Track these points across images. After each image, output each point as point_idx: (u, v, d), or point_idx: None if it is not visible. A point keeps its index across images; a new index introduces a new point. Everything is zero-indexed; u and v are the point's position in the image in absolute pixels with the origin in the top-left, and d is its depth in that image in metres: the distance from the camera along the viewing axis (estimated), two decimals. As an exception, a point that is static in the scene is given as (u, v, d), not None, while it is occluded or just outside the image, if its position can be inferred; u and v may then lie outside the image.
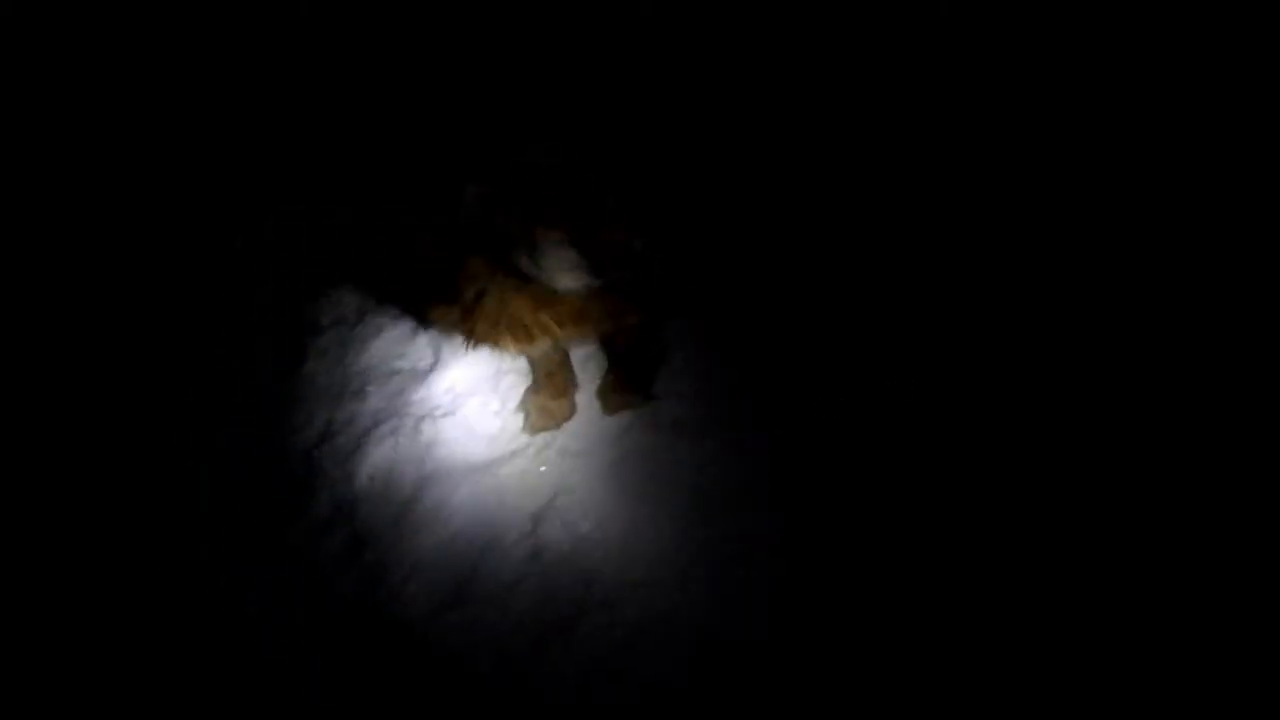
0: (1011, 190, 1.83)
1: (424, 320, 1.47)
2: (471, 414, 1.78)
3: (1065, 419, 1.65)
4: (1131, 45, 1.76)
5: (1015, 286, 1.80)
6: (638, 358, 1.75)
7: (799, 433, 1.70)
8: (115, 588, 1.61)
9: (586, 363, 1.81)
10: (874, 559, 1.54)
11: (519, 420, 1.76)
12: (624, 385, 1.76)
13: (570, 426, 1.76)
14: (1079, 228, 1.80)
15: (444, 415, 1.78)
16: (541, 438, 1.74)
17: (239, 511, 1.72)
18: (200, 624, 1.57)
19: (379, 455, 1.74)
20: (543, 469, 1.71)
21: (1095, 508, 1.55)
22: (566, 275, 1.09)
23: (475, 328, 1.28)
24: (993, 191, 1.84)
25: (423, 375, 1.83)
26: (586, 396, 1.78)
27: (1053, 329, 1.75)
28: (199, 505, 1.71)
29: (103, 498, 1.71)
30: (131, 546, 1.66)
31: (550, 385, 1.75)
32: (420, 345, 1.88)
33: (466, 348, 1.33)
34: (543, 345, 1.36)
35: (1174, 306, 1.72)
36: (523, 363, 1.77)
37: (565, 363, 1.75)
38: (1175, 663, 1.37)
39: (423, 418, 1.77)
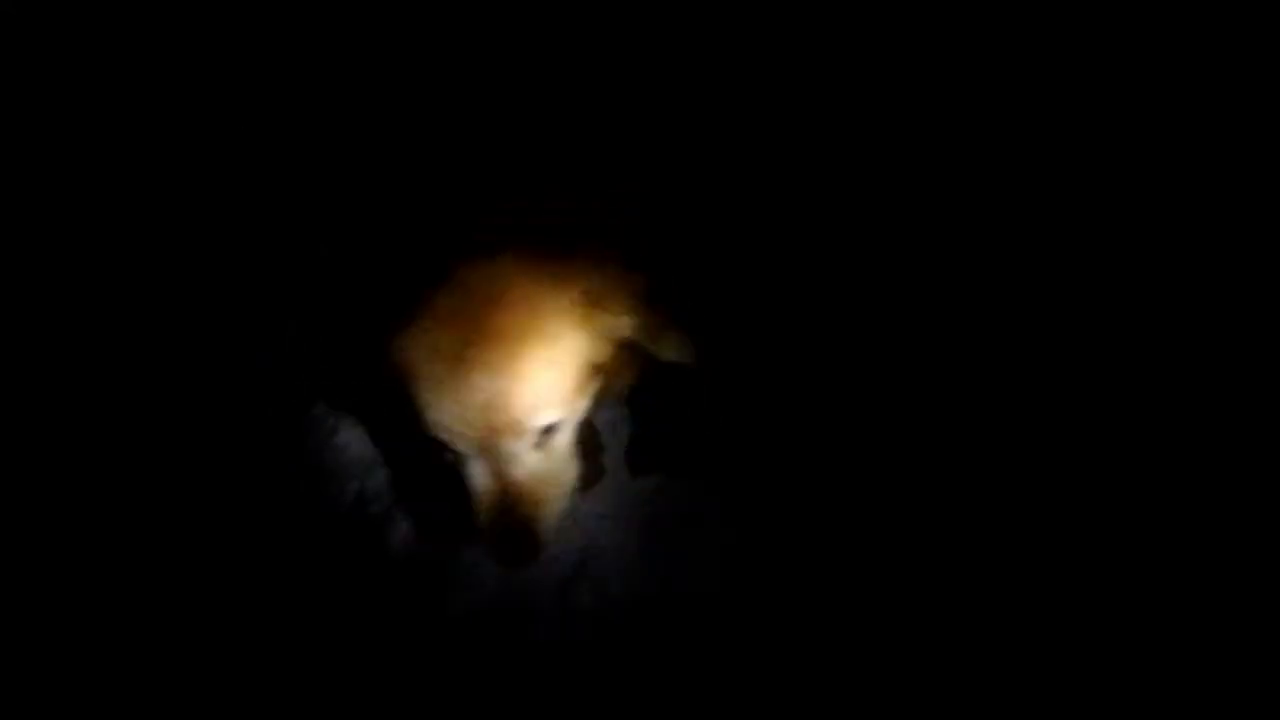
0: (1012, 193, 1.82)
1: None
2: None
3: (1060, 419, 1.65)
4: (1131, 45, 1.75)
5: (1016, 289, 1.78)
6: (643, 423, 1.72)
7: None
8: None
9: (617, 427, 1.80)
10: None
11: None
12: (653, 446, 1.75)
13: (595, 490, 1.75)
14: (1079, 229, 1.78)
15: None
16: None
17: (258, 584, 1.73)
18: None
19: (408, 525, 1.75)
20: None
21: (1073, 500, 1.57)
22: None
23: None
24: (994, 199, 1.83)
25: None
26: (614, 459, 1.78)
27: (1053, 330, 1.72)
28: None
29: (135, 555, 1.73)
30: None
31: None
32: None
33: None
34: None
35: (1173, 306, 1.69)
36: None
37: (589, 421, 1.75)
38: (1175, 663, 1.38)
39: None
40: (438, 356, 1.05)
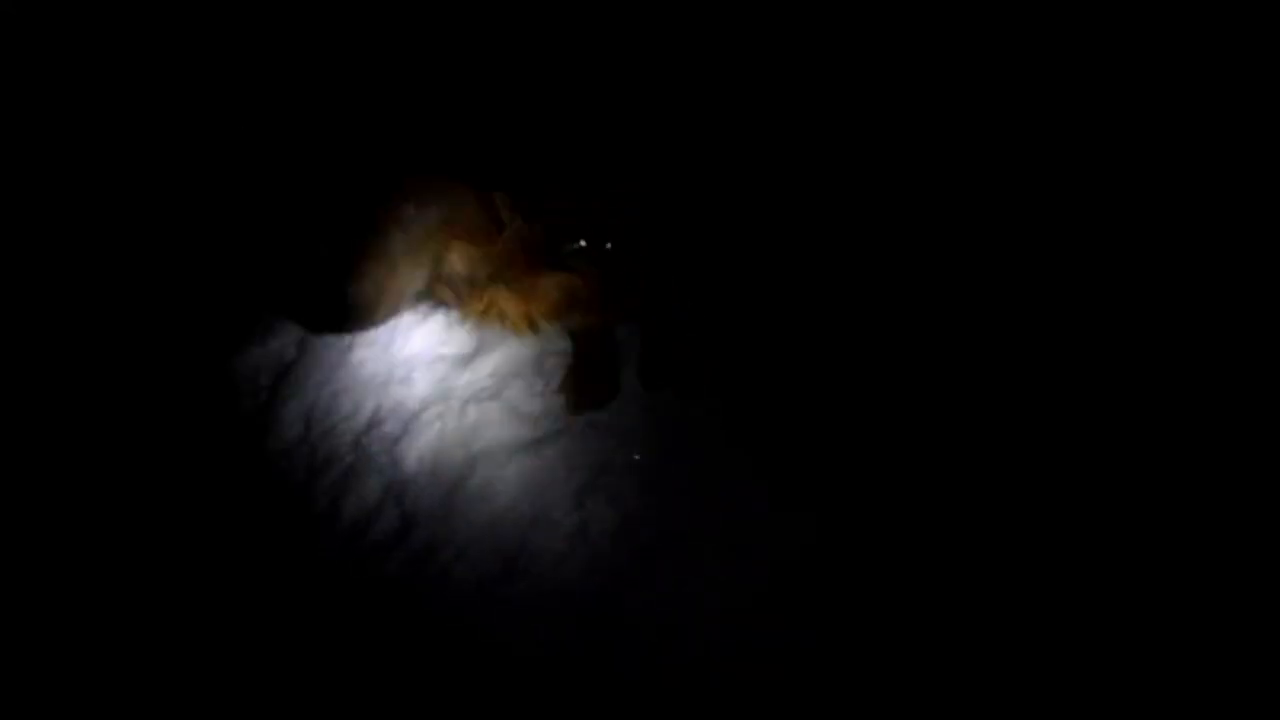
0: (1012, 196, 1.82)
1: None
2: (515, 396, 1.80)
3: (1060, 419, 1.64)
4: (1132, 45, 1.75)
5: (1016, 291, 1.78)
6: (654, 343, 1.76)
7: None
8: (158, 571, 1.65)
9: (631, 339, 1.81)
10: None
11: (562, 401, 1.77)
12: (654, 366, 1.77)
13: (614, 405, 1.77)
14: (1079, 230, 1.78)
15: (489, 398, 1.80)
16: (584, 417, 1.75)
17: (289, 498, 1.75)
18: (248, 608, 1.61)
19: (426, 439, 1.77)
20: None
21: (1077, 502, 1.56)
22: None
23: (474, 320, 1.33)
24: (994, 204, 1.83)
25: (466, 360, 1.86)
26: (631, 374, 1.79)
27: (1054, 331, 1.73)
28: (247, 492, 1.75)
29: (147, 483, 1.76)
30: (176, 531, 1.70)
31: (590, 365, 1.76)
32: (462, 332, 1.90)
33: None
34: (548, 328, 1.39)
35: (1173, 306, 1.69)
36: (565, 344, 1.78)
37: (605, 342, 1.77)
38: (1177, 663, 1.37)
39: (468, 401, 1.80)
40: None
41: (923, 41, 1.77)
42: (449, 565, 1.63)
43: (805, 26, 1.71)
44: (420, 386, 1.84)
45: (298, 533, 1.71)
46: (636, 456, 1.72)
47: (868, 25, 1.75)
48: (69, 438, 1.82)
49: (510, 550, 1.63)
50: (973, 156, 1.80)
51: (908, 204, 1.81)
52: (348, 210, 1.09)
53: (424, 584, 1.62)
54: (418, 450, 1.75)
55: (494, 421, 1.77)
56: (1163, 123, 1.73)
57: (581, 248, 1.27)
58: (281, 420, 1.85)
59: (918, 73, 1.77)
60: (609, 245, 1.29)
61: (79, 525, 1.70)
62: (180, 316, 1.98)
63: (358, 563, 1.66)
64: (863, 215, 1.81)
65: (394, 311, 1.11)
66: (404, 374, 1.87)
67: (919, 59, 1.77)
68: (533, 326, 1.36)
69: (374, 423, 1.82)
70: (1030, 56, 1.77)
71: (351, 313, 1.06)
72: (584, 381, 1.76)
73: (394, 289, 1.09)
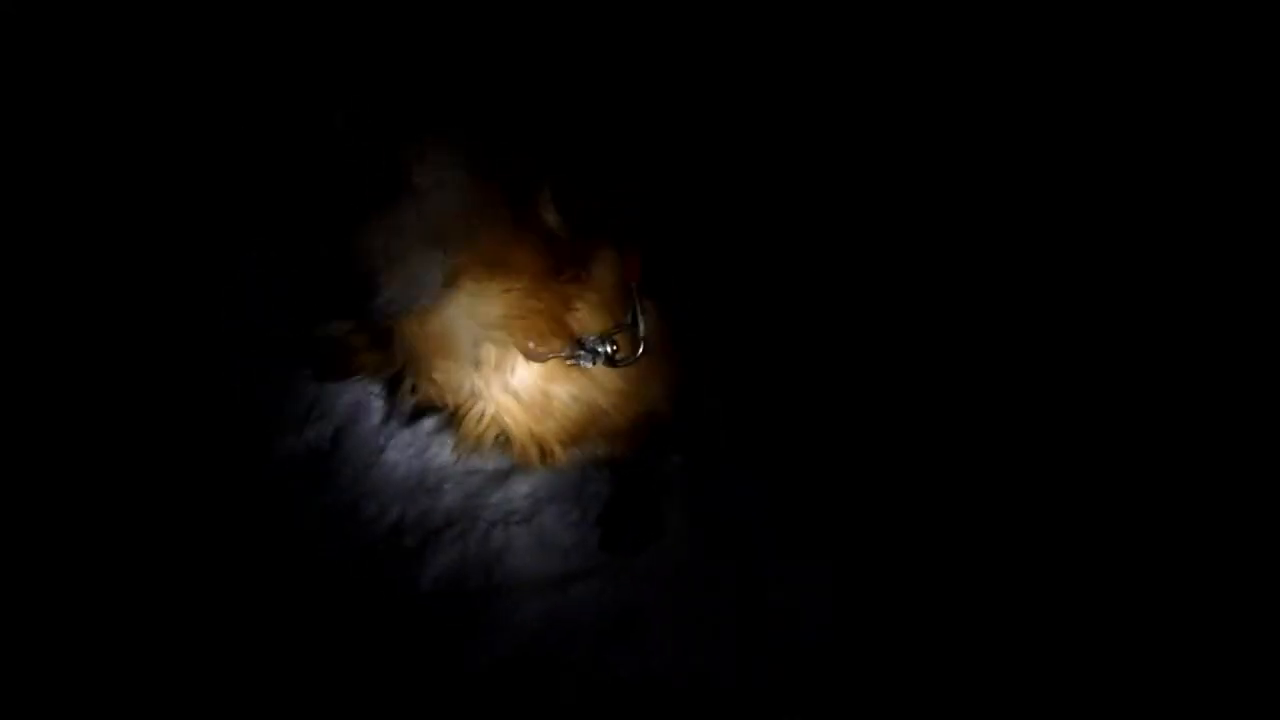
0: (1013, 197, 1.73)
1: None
2: (548, 522, 1.66)
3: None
4: (1131, 45, 1.69)
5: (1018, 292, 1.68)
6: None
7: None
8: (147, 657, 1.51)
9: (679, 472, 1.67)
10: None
11: (598, 535, 1.62)
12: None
13: (656, 546, 1.61)
14: (1079, 231, 1.69)
15: (519, 522, 1.66)
16: (620, 557, 1.59)
17: (286, 602, 1.61)
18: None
19: (445, 559, 1.62)
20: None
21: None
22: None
23: (469, 438, 1.12)
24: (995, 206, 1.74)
25: (502, 477, 1.73)
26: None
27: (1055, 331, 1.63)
28: (246, 584, 1.62)
29: (152, 559, 1.64)
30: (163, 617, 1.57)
31: (632, 499, 1.61)
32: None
33: None
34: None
35: (1176, 307, 1.60)
36: (609, 471, 1.64)
37: (649, 475, 1.62)
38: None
39: (495, 523, 1.66)
40: None
41: (922, 41, 1.73)
42: (451, 708, 1.46)
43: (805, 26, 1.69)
44: (449, 499, 1.71)
45: (282, 642, 1.56)
46: (673, 608, 1.55)
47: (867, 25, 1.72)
48: (89, 515, 1.72)
49: (520, 702, 1.45)
50: (972, 158, 1.72)
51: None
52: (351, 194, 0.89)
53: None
54: (434, 571, 1.61)
55: (521, 549, 1.63)
56: (1162, 122, 1.65)
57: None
58: (301, 514, 1.74)
59: (917, 73, 1.72)
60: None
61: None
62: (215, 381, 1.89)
63: (348, 690, 1.50)
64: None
65: (401, 304, 0.91)
66: (434, 483, 1.74)
67: (919, 59, 1.72)
68: (545, 455, 1.15)
69: (394, 533, 1.69)
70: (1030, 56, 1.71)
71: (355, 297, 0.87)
72: (624, 517, 1.61)
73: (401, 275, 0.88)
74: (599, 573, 1.58)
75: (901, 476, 1.61)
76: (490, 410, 1.08)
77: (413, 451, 1.78)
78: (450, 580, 1.60)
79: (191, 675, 1.51)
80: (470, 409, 1.07)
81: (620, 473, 1.62)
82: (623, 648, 1.50)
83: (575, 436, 1.15)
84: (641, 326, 1.06)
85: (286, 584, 1.64)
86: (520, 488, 1.71)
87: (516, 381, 1.07)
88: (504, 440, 1.13)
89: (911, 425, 1.64)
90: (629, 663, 1.47)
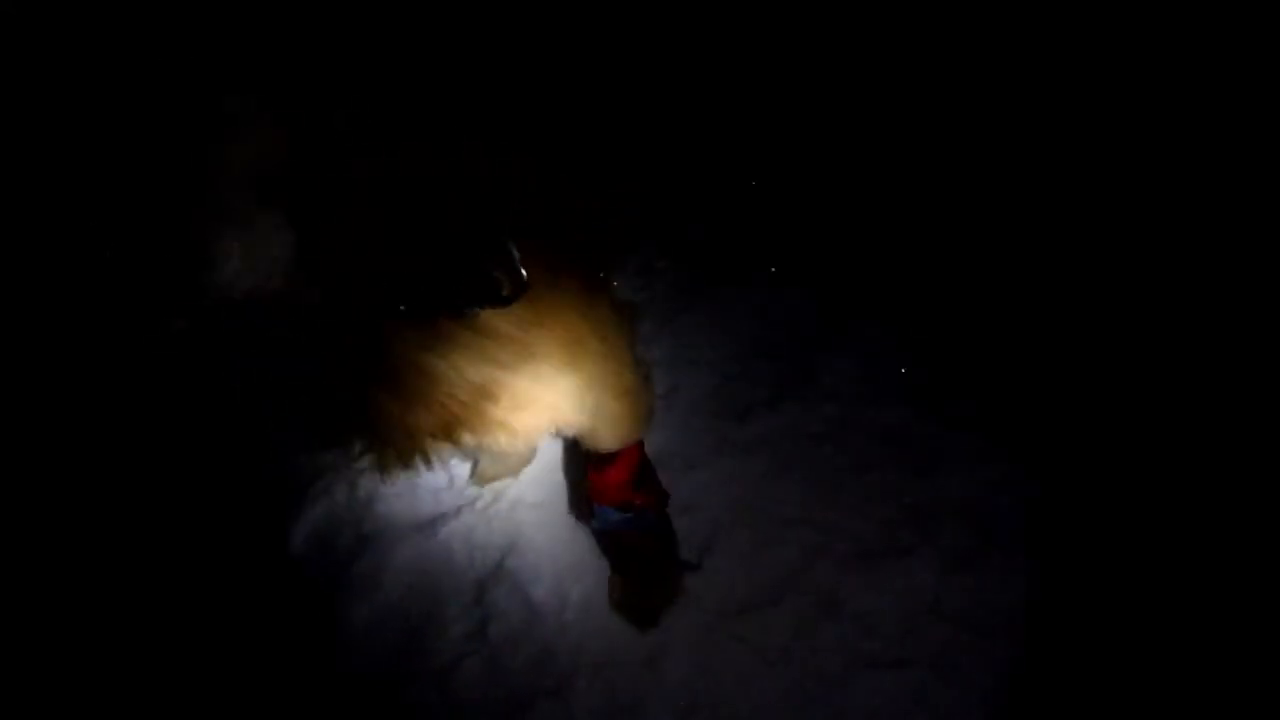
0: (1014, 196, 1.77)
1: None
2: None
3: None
4: (1131, 45, 1.74)
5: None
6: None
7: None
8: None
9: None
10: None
11: (467, 469, 1.53)
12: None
13: (528, 473, 1.52)
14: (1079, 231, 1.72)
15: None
16: (493, 488, 1.50)
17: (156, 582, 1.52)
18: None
19: (314, 515, 1.54)
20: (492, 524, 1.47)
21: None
22: None
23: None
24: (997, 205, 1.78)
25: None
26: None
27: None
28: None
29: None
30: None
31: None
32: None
33: None
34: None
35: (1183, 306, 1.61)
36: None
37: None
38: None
39: (363, 471, 1.56)
40: None
41: (922, 42, 1.76)
42: (329, 665, 1.39)
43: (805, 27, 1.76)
44: (313, 453, 1.60)
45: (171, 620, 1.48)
46: (550, 535, 1.47)
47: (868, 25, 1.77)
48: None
49: (399, 650, 1.39)
50: (973, 160, 1.74)
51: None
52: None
53: (302, 684, 1.38)
54: (305, 527, 1.52)
55: (390, 495, 1.53)
56: (1163, 123, 1.69)
57: None
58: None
59: (918, 73, 1.75)
60: None
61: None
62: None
63: (231, 649, 1.43)
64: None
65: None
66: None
67: (919, 60, 1.75)
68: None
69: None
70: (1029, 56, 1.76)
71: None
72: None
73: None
74: (469, 508, 1.50)
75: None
76: None
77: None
78: (320, 535, 1.51)
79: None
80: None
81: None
82: (503, 585, 1.43)
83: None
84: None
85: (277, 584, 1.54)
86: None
87: None
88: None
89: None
90: (509, 604, 1.40)
